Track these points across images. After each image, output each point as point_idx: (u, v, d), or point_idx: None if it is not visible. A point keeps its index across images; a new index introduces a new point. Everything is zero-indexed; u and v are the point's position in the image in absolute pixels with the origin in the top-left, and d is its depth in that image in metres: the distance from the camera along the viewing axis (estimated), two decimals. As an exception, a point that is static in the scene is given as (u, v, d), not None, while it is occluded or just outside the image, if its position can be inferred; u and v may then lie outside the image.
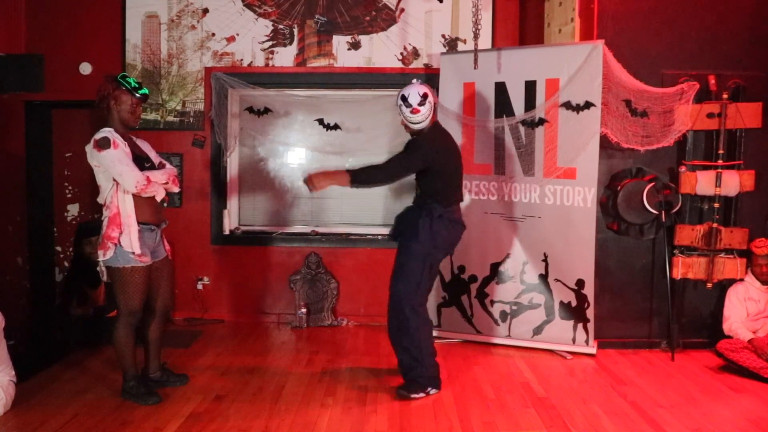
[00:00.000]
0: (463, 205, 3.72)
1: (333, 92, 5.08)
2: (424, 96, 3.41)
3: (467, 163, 4.14)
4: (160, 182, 3.30)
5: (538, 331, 4.32)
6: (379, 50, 4.97)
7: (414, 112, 3.40)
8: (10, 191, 5.01)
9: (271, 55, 4.99)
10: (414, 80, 3.52)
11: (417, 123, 3.44)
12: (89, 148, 3.18)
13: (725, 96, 4.10)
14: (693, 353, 4.25)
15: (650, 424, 3.11)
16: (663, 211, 4.16)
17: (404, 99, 3.42)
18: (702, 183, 4.13)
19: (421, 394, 3.42)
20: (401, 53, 4.97)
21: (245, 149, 5.25)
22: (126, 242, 3.17)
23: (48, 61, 4.98)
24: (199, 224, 5.08)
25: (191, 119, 5.03)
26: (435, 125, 3.55)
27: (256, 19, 4.97)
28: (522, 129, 4.26)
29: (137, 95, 3.26)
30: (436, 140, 3.49)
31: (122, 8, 4.96)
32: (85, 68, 4.97)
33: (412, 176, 3.57)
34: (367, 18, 4.96)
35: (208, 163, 5.06)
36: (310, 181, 3.37)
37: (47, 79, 4.98)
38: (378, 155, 5.13)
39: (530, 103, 4.22)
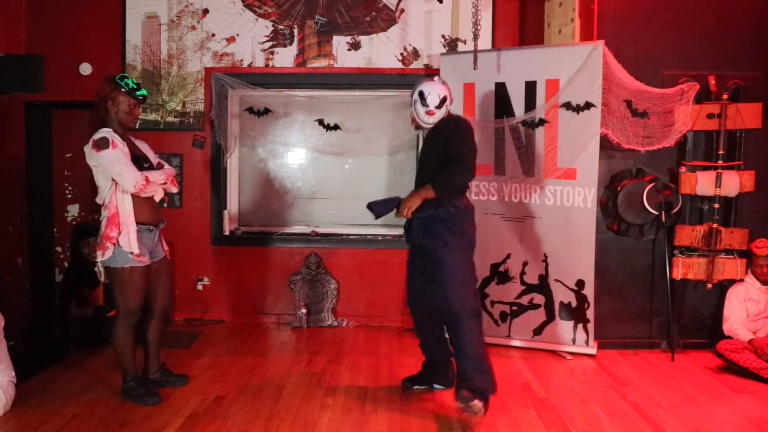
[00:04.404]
0: None
1: (333, 93, 5.08)
2: (443, 100, 3.25)
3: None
4: (159, 182, 3.30)
5: (538, 331, 4.32)
6: (379, 51, 4.97)
7: (429, 113, 3.24)
8: (10, 192, 5.01)
9: (271, 56, 5.00)
10: (436, 78, 3.32)
11: (428, 124, 3.29)
12: (88, 149, 3.18)
13: (725, 96, 4.11)
14: (693, 354, 4.25)
15: (650, 425, 3.11)
16: (663, 212, 4.16)
17: (422, 96, 3.24)
18: (702, 183, 4.13)
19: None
20: (401, 54, 4.97)
21: (245, 149, 5.25)
22: (125, 242, 3.16)
23: (48, 61, 4.98)
24: (199, 224, 5.08)
25: (191, 120, 5.03)
26: (450, 114, 3.37)
27: (256, 20, 4.97)
28: (522, 129, 4.26)
29: (135, 96, 3.26)
30: (460, 117, 3.38)
31: (122, 9, 4.97)
32: (85, 69, 4.98)
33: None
34: (367, 18, 4.96)
35: (208, 163, 5.06)
36: (404, 206, 3.17)
37: (47, 80, 4.98)
38: (378, 156, 5.18)
39: (530, 103, 4.23)
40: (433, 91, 3.23)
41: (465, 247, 3.23)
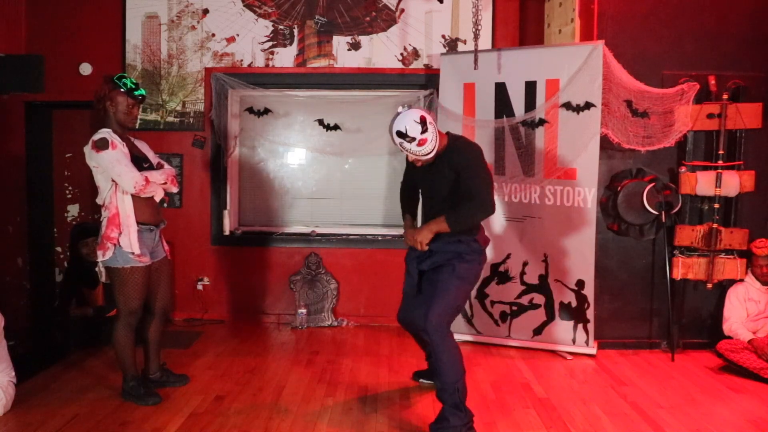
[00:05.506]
0: None
1: (333, 93, 5.08)
2: (422, 121, 2.87)
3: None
4: (159, 182, 3.30)
5: (538, 331, 4.32)
6: (379, 51, 4.97)
7: (421, 143, 2.87)
8: (10, 192, 5.00)
9: (271, 56, 4.99)
10: (400, 108, 2.95)
11: (429, 153, 2.95)
12: (87, 149, 3.18)
13: (725, 96, 4.11)
14: (693, 354, 4.25)
15: (650, 425, 3.11)
16: (663, 212, 4.16)
17: (402, 135, 2.86)
18: (702, 183, 4.13)
19: None
20: (401, 54, 4.97)
21: (245, 149, 5.25)
22: (125, 243, 3.17)
23: (48, 61, 4.98)
24: (199, 224, 5.08)
25: (191, 120, 5.03)
26: (450, 136, 3.14)
27: (256, 20, 4.97)
28: (522, 130, 4.26)
29: (133, 96, 3.26)
30: (467, 141, 3.14)
31: (122, 9, 4.97)
32: (86, 69, 4.97)
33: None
34: (367, 18, 4.96)
35: (208, 163, 5.06)
36: (415, 241, 3.05)
37: (47, 80, 4.98)
38: (378, 156, 5.17)
39: (530, 103, 4.23)
40: (407, 122, 2.86)
41: (471, 280, 3.11)
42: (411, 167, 3.31)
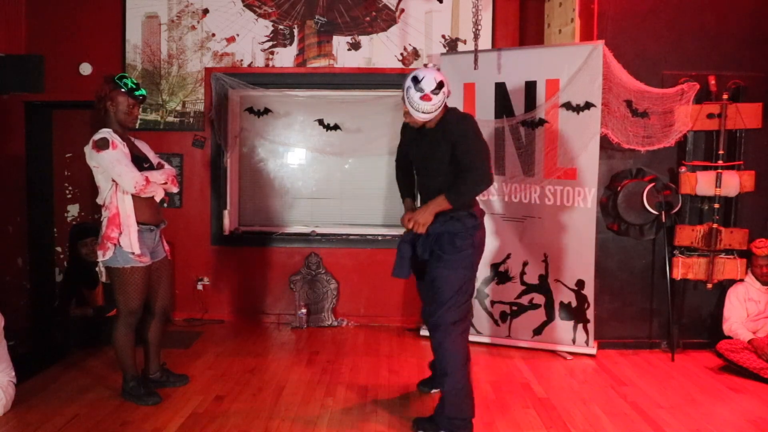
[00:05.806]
0: None
1: (333, 93, 5.08)
2: (440, 84, 2.86)
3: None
4: (159, 182, 3.30)
5: (538, 331, 4.32)
6: (379, 51, 4.97)
7: (425, 98, 2.84)
8: (10, 192, 5.00)
9: (271, 56, 5.00)
10: (429, 64, 2.90)
11: (425, 113, 2.90)
12: (88, 149, 3.18)
13: (725, 96, 4.11)
14: (693, 354, 4.26)
15: (650, 425, 3.11)
16: (663, 212, 4.16)
17: (416, 80, 2.86)
18: (702, 183, 4.13)
19: None
20: (401, 54, 4.97)
21: (245, 149, 5.25)
22: (125, 243, 3.17)
23: (48, 61, 4.98)
24: (199, 224, 5.08)
25: (191, 120, 5.03)
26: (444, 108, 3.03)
27: (256, 20, 4.97)
28: (522, 129, 4.26)
29: (133, 96, 3.26)
30: (463, 114, 3.08)
31: (122, 9, 4.97)
32: (86, 69, 4.97)
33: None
34: (367, 18, 4.96)
35: (208, 163, 5.06)
36: (416, 223, 2.94)
37: (47, 80, 4.98)
38: (378, 156, 5.18)
39: (530, 103, 4.23)
40: (428, 75, 2.86)
41: (471, 263, 3.02)
42: (404, 141, 3.27)
